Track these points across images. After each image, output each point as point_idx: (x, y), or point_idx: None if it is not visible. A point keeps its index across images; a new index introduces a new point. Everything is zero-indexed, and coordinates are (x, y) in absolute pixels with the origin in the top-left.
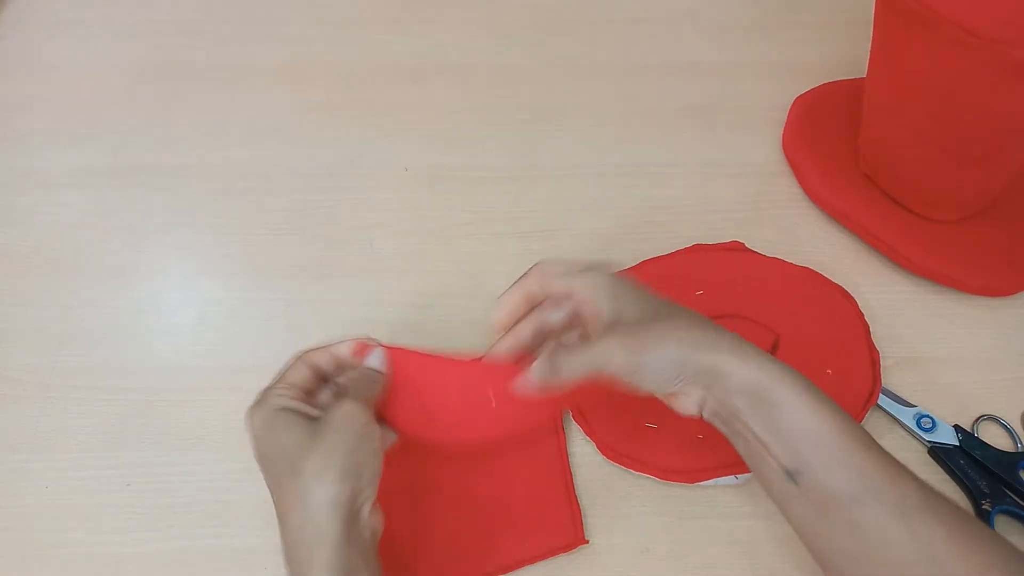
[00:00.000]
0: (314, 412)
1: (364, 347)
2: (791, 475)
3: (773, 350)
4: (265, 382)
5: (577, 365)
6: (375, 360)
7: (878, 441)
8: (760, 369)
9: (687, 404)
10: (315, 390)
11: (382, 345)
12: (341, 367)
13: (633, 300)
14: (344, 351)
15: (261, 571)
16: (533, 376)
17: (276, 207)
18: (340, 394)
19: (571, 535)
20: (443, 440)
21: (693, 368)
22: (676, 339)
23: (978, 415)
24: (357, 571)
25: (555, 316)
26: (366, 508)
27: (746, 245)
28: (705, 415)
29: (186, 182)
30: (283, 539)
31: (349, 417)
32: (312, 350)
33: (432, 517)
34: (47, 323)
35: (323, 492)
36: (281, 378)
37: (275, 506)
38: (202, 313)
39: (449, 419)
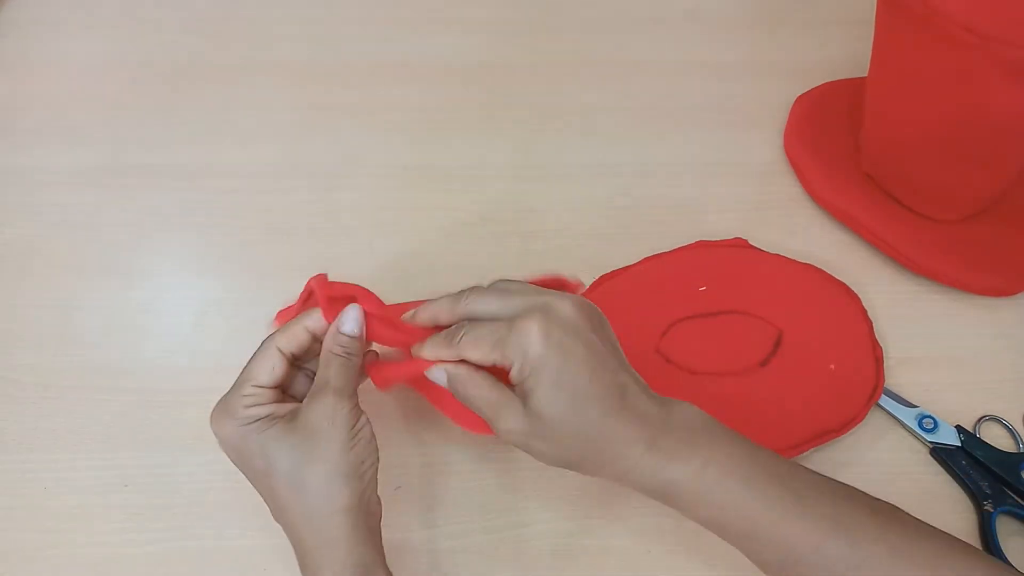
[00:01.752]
0: (290, 408)
1: (332, 305)
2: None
3: (776, 346)
4: None
5: (474, 400)
6: (350, 323)
7: (880, 441)
8: (657, 477)
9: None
10: (290, 380)
11: (359, 299)
12: (317, 339)
13: (554, 393)
14: (316, 323)
15: (261, 571)
16: (433, 376)
17: (276, 207)
18: (318, 382)
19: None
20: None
21: (589, 475)
22: (570, 455)
23: (980, 415)
24: (375, 566)
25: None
26: (372, 499)
27: (748, 241)
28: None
29: (186, 182)
30: (295, 546)
31: (336, 415)
32: (279, 332)
33: None
34: (47, 323)
35: (332, 503)
36: (246, 377)
37: (273, 511)
38: (202, 313)
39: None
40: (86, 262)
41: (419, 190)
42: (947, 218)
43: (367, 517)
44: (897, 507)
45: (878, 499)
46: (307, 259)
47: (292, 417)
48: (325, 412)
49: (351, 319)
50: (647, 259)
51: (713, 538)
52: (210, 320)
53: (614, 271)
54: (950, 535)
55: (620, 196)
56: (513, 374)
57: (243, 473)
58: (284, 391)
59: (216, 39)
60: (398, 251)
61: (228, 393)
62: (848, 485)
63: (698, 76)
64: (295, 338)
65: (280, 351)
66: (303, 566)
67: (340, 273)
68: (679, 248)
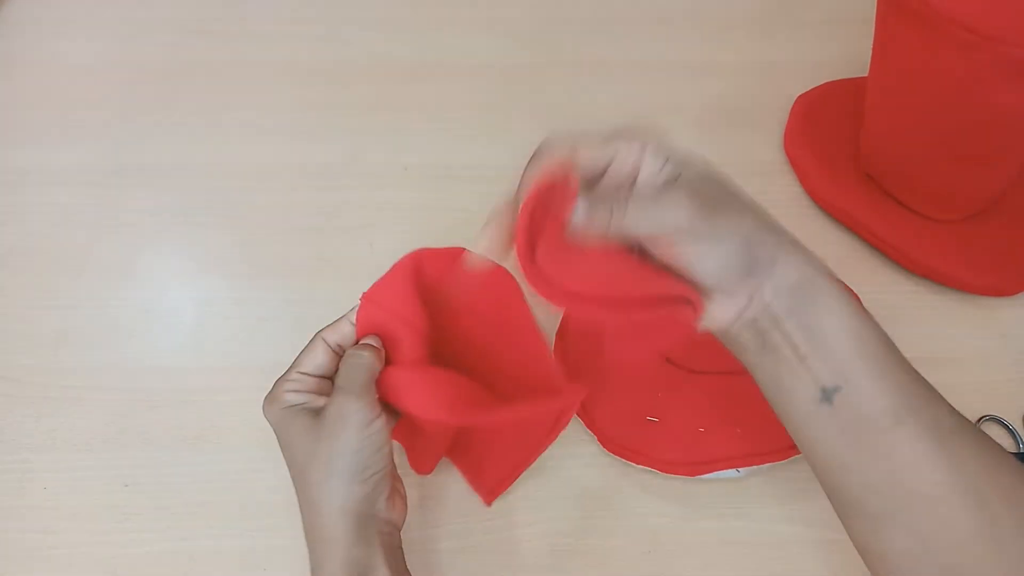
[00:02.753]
0: (322, 403)
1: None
2: (827, 393)
3: None
4: (265, 382)
5: (637, 217)
6: (370, 337)
7: None
8: (809, 264)
9: (723, 310)
10: (333, 373)
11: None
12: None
13: (714, 184)
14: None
15: (261, 571)
16: (577, 218)
17: (276, 207)
18: (335, 384)
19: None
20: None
21: (755, 254)
22: (751, 216)
23: (980, 416)
24: (374, 570)
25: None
26: (380, 503)
27: None
28: (736, 327)
29: (186, 182)
30: (305, 534)
31: (343, 415)
32: (328, 327)
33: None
34: (47, 323)
35: (330, 501)
36: (294, 365)
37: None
38: (201, 313)
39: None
40: (86, 262)
41: (419, 190)
42: (947, 218)
43: (370, 522)
44: None
45: None
46: (307, 259)
47: (318, 412)
48: (334, 411)
49: (373, 337)
50: None
51: (712, 539)
52: (210, 320)
53: None
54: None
55: None
56: (661, 169)
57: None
58: (330, 383)
59: (216, 39)
60: (398, 251)
61: (277, 380)
62: None
63: (699, 76)
64: (339, 331)
65: (325, 342)
66: (311, 561)
67: (340, 273)
68: None
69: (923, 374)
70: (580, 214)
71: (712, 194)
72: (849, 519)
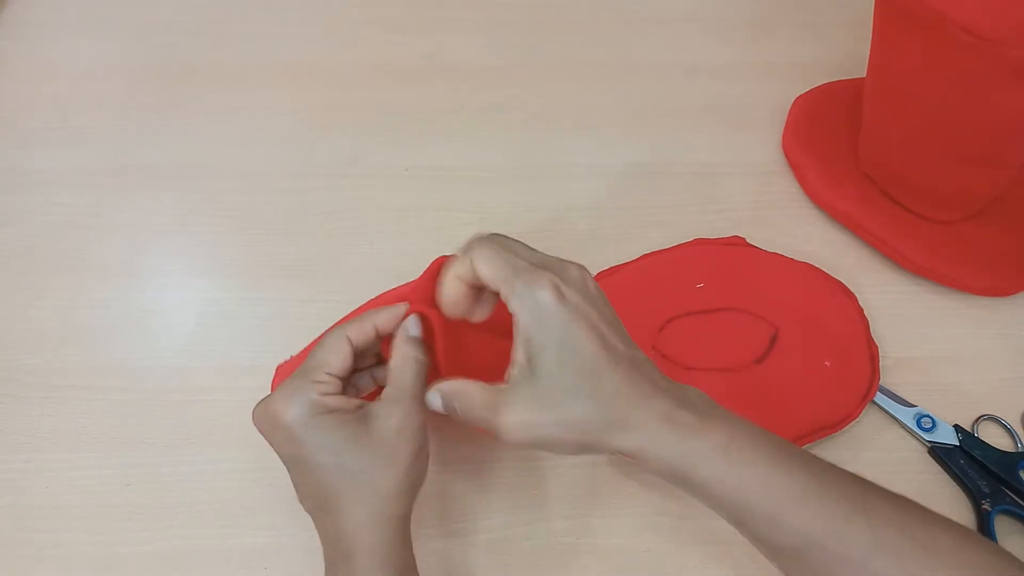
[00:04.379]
0: (357, 405)
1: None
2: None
3: (772, 343)
4: (265, 382)
5: (472, 410)
6: (414, 328)
7: (879, 440)
8: (678, 448)
9: (521, 431)
10: (353, 374)
11: (417, 311)
12: (379, 340)
13: (568, 351)
14: (385, 321)
15: (261, 571)
16: (430, 403)
17: (275, 207)
18: (395, 388)
19: None
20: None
21: (602, 450)
22: (584, 422)
23: (978, 415)
24: (412, 571)
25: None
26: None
27: (747, 240)
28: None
29: (186, 182)
30: (331, 542)
31: (409, 425)
32: (352, 324)
33: None
34: (47, 323)
35: (394, 508)
36: (318, 364)
37: (312, 504)
38: (202, 313)
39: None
40: (87, 262)
41: (419, 190)
42: (945, 218)
43: (409, 524)
44: (909, 498)
45: (890, 490)
46: (307, 259)
47: (363, 419)
48: (401, 420)
49: (414, 325)
50: (645, 256)
51: (712, 537)
52: (211, 320)
53: (612, 267)
54: (965, 527)
55: (620, 196)
56: (520, 328)
57: (290, 463)
58: (351, 390)
59: (216, 40)
60: (398, 251)
61: (293, 379)
62: (858, 475)
63: (698, 77)
64: (363, 332)
65: (350, 341)
66: (334, 564)
67: (340, 273)
68: (677, 245)
69: (922, 374)
70: (429, 400)
71: (570, 375)
72: None
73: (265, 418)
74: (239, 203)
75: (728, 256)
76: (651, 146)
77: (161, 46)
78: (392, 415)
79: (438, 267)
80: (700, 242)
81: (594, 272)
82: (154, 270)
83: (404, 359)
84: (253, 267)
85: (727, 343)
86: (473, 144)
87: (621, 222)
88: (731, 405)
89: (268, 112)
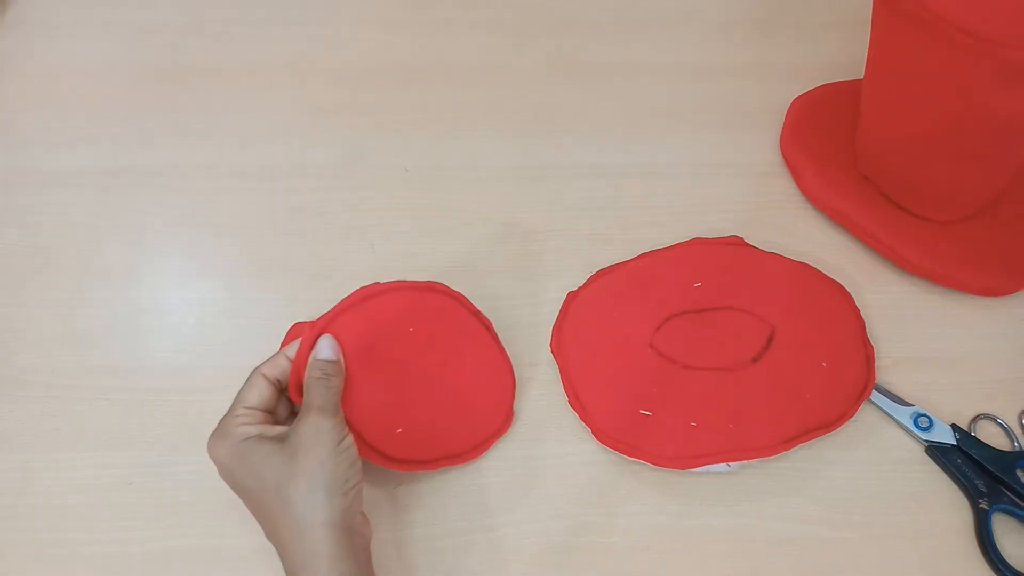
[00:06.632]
0: (279, 431)
1: (304, 334)
2: None
3: (769, 342)
4: None
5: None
6: (325, 350)
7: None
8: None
9: None
10: (276, 405)
11: (322, 328)
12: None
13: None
14: (295, 352)
15: (261, 571)
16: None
17: (276, 207)
18: (303, 406)
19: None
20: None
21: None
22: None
23: (975, 414)
24: None
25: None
26: (358, 517)
27: (745, 240)
28: None
29: (186, 182)
30: (284, 565)
31: (319, 432)
32: (265, 363)
33: (404, 403)
34: (47, 323)
35: (315, 515)
36: (238, 402)
37: (265, 532)
38: (202, 313)
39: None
40: (87, 262)
41: (419, 190)
42: (943, 219)
43: (352, 535)
44: None
45: None
46: (307, 259)
47: (281, 438)
48: (308, 430)
49: (325, 347)
50: (643, 255)
51: (712, 537)
52: (211, 320)
53: (610, 266)
54: None
55: (619, 196)
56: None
57: (239, 497)
58: (272, 416)
59: (216, 40)
60: (398, 251)
61: (219, 423)
62: None
63: (696, 78)
64: (277, 365)
65: (264, 376)
66: None
67: (340, 273)
68: (675, 244)
69: (919, 373)
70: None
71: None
72: None
73: (212, 462)
74: (239, 203)
75: (726, 256)
76: (650, 146)
77: (161, 46)
78: (297, 428)
79: (358, 298)
80: (698, 241)
81: (593, 271)
82: (154, 270)
83: (309, 376)
84: (253, 267)
85: (724, 342)
86: (473, 144)
87: (619, 222)
88: (727, 404)
89: (268, 112)
